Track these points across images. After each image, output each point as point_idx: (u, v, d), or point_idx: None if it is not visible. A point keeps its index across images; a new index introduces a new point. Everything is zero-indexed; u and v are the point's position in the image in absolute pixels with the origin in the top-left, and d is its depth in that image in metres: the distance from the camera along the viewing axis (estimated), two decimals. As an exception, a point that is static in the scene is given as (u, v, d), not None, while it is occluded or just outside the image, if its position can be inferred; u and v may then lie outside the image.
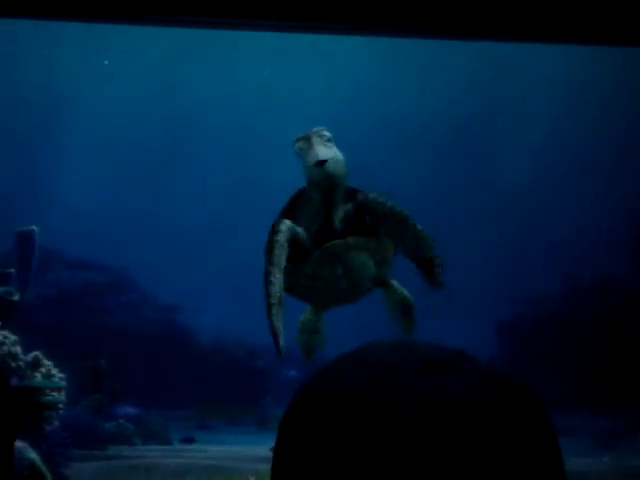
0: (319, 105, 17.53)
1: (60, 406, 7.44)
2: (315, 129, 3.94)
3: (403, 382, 0.84)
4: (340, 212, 3.99)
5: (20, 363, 7.14)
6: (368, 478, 0.79)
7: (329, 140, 3.94)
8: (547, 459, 0.84)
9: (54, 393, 7.37)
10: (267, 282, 3.88)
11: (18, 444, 5.00)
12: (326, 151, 3.92)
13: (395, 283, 4.29)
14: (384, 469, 0.78)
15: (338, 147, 3.94)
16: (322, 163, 3.82)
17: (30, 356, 7.41)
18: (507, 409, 0.84)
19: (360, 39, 12.60)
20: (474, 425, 0.80)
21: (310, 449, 0.86)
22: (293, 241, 3.93)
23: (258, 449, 9.37)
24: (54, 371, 7.50)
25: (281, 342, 3.85)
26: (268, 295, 3.82)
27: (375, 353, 0.91)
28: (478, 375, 0.88)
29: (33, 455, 5.94)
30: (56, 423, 7.35)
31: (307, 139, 3.88)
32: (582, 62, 15.30)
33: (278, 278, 3.90)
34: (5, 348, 6.99)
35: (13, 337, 7.14)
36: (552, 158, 15.75)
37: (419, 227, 3.93)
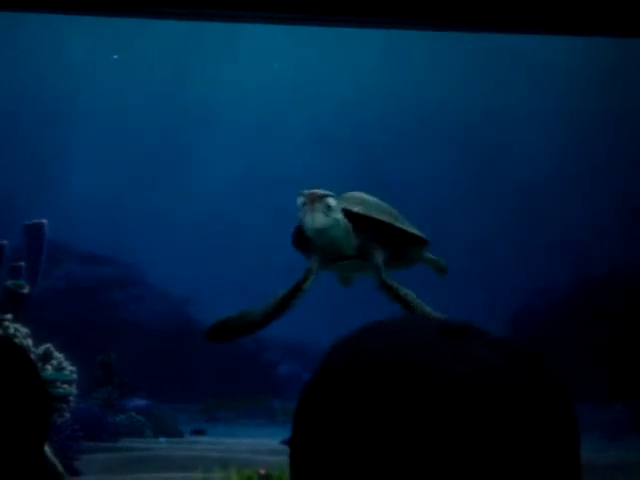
0: (326, 98, 17.52)
1: (71, 399, 7.48)
2: (320, 192, 4.03)
3: (422, 347, 0.85)
4: (349, 248, 4.32)
5: (31, 356, 7.17)
6: (390, 445, 0.79)
7: (328, 207, 4.03)
8: (565, 424, 0.85)
9: (65, 386, 7.41)
10: (285, 305, 4.49)
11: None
12: (322, 220, 4.05)
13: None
14: (406, 435, 0.79)
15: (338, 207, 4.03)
16: (316, 231, 4.00)
17: (41, 349, 7.45)
18: (527, 374, 0.85)
19: (368, 32, 12.58)
20: (495, 388, 0.81)
21: (332, 421, 0.87)
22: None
23: (269, 442, 9.40)
24: (65, 364, 7.54)
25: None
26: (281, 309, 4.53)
27: (392, 324, 0.92)
28: (493, 342, 0.89)
29: (44, 447, 5.97)
30: (67, 415, 7.38)
31: (308, 202, 3.99)
32: (591, 55, 15.24)
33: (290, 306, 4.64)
34: (17, 341, 7.02)
35: (24, 330, 7.18)
36: (562, 150, 15.70)
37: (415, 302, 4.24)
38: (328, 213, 4.13)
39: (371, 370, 0.85)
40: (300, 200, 4.10)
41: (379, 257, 4.47)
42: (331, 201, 4.10)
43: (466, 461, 0.77)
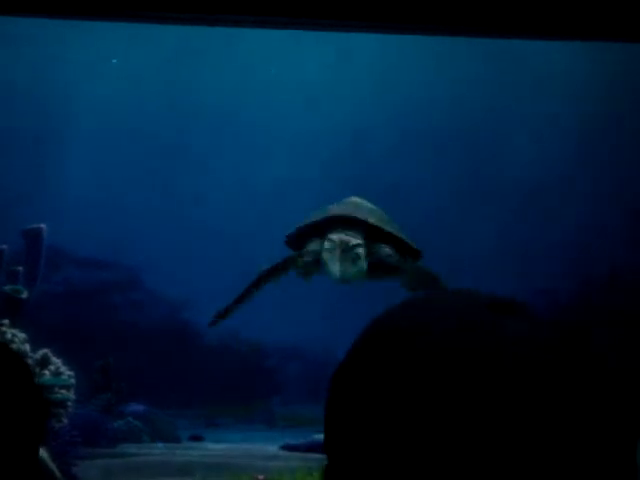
0: (324, 102, 17.52)
1: (69, 404, 7.45)
2: (352, 242, 3.98)
3: (470, 323, 0.83)
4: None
5: (29, 361, 7.15)
6: (430, 417, 0.77)
7: (358, 256, 3.99)
8: (616, 403, 0.84)
9: (63, 391, 7.38)
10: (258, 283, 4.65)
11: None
12: (351, 270, 4.05)
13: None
14: (448, 408, 0.77)
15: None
16: (342, 279, 4.00)
17: (39, 354, 7.42)
18: (577, 351, 0.83)
19: (368, 36, 12.58)
20: (543, 364, 0.80)
21: (370, 399, 0.84)
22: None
23: (267, 447, 9.37)
24: (63, 369, 7.51)
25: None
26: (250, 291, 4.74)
27: (436, 298, 0.92)
28: (541, 319, 0.87)
29: (42, 453, 5.95)
30: (65, 421, 7.36)
31: (338, 249, 3.96)
32: (585, 60, 15.26)
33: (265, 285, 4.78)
34: (14, 346, 7.00)
35: (22, 335, 7.15)
36: (560, 153, 15.70)
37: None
38: (357, 262, 4.12)
39: (414, 342, 0.82)
40: (328, 245, 4.05)
41: (389, 250, 4.47)
42: (360, 251, 4.07)
43: (514, 442, 0.75)
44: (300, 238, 4.63)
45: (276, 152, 17.89)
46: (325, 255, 4.14)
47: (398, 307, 0.90)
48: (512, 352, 0.78)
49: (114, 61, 17.77)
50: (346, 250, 4.07)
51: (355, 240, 4.11)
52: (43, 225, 8.18)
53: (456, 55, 16.01)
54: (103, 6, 2.80)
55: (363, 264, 4.14)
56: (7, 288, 7.50)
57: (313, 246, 4.45)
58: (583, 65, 15.66)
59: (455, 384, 0.76)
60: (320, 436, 9.23)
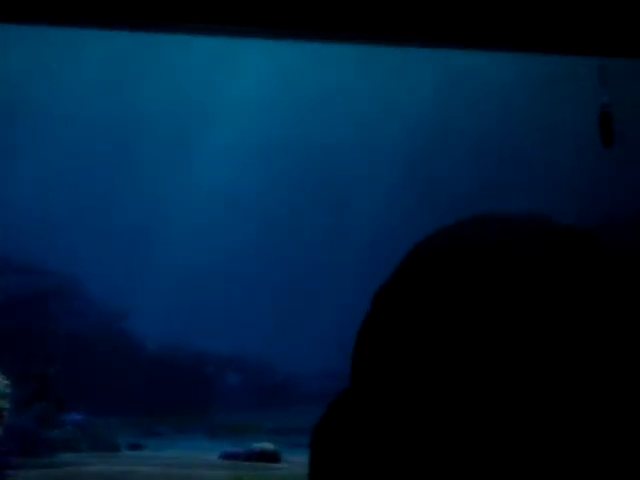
0: (274, 109, 17.56)
1: (4, 413, 7.36)
2: None
3: (546, 251, 0.77)
4: None
5: (-35, 370, 7.06)
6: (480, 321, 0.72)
7: None
8: None
9: (-1, 400, 7.28)
10: None
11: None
12: None
13: None
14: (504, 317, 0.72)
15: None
16: None
17: (-25, 363, 7.31)
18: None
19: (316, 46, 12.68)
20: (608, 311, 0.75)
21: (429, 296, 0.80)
22: None
23: (206, 456, 9.36)
24: None
25: None
26: None
27: (510, 217, 0.84)
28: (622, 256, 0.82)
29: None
30: (0, 431, 7.26)
31: None
32: (528, 68, 15.55)
33: None
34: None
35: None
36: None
37: None
38: None
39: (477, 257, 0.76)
40: None
41: None
42: None
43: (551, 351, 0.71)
44: None
45: (218, 158, 17.88)
46: None
47: (469, 222, 0.84)
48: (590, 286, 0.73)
49: (54, 66, 17.59)
50: None
51: None
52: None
53: (399, 67, 16.20)
54: (99, 14, 2.82)
55: None
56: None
57: None
58: (512, 78, 15.96)
59: (517, 301, 0.71)
60: (259, 444, 9.26)
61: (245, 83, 17.57)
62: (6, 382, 7.46)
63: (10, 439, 7.26)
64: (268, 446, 9.06)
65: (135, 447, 10.45)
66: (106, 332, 14.57)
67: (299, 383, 14.32)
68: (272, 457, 8.85)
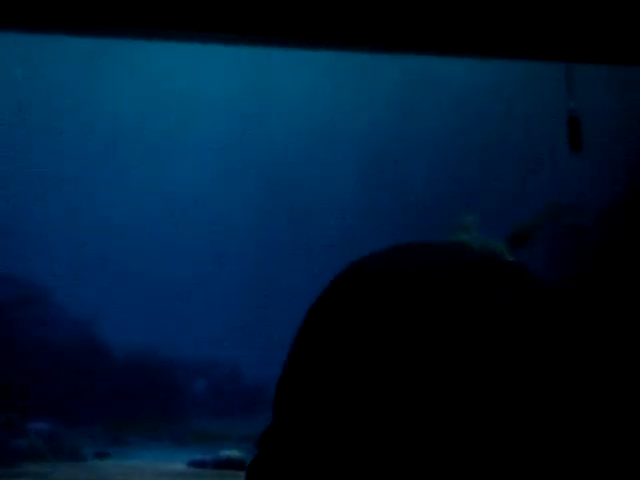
0: (236, 114, 17.54)
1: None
2: None
3: (455, 283, 0.72)
4: None
5: None
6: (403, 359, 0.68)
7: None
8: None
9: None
10: None
11: None
12: None
13: None
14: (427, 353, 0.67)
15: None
16: None
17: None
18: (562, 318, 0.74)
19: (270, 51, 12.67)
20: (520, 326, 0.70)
21: (345, 331, 0.75)
22: None
23: (174, 464, 9.30)
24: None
25: None
26: None
27: (430, 244, 0.80)
28: (537, 287, 0.79)
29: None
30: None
31: None
32: (488, 74, 15.65)
33: None
34: None
35: None
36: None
37: None
38: None
39: (394, 284, 0.73)
40: None
41: None
42: None
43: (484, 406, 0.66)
44: None
45: (187, 164, 17.82)
46: None
47: (383, 252, 0.80)
48: (500, 322, 0.69)
49: (17, 72, 17.41)
50: None
51: None
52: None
53: (370, 73, 16.24)
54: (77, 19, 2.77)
55: None
56: None
57: None
58: (475, 81, 16.07)
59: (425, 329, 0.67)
60: (226, 452, 9.21)
61: (212, 87, 17.55)
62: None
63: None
64: (235, 453, 9.02)
65: (102, 456, 10.36)
66: (71, 339, 14.43)
67: (268, 390, 14.29)
68: (239, 464, 8.81)
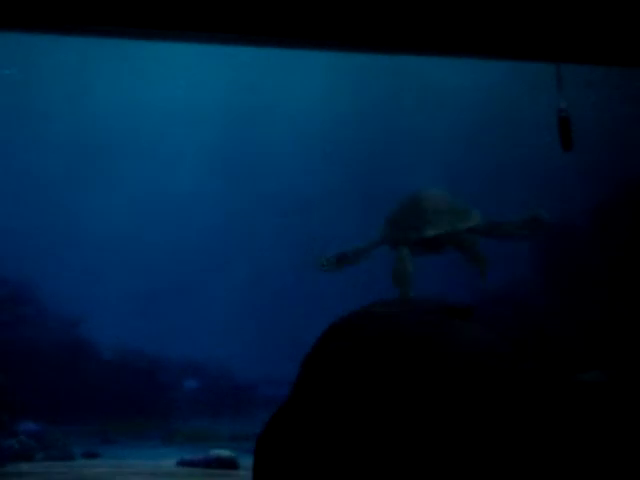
0: (223, 115, 17.53)
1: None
2: None
3: (424, 324, 0.77)
4: None
5: None
6: (388, 419, 0.74)
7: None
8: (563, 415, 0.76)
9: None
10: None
11: None
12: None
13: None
14: (405, 410, 0.73)
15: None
16: None
17: None
18: (524, 361, 0.78)
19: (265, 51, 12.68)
20: (487, 370, 0.74)
21: (331, 408, 0.81)
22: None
23: (163, 463, 9.29)
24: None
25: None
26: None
27: (396, 301, 0.87)
28: (499, 325, 0.81)
29: None
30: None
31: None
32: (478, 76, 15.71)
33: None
34: None
35: None
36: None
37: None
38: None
39: (367, 354, 0.79)
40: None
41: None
42: None
43: (460, 445, 0.71)
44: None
45: (177, 167, 17.81)
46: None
47: (358, 312, 0.87)
48: (463, 358, 0.73)
49: (7, 72, 17.34)
50: None
51: None
52: None
53: (355, 72, 16.27)
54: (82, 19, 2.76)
55: None
56: None
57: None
58: (470, 84, 16.12)
59: (402, 385, 0.74)
60: (216, 451, 9.21)
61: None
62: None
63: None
64: (225, 453, 9.01)
65: (90, 455, 10.34)
66: (60, 339, 14.39)
67: (257, 389, 14.27)
68: (229, 464, 8.81)
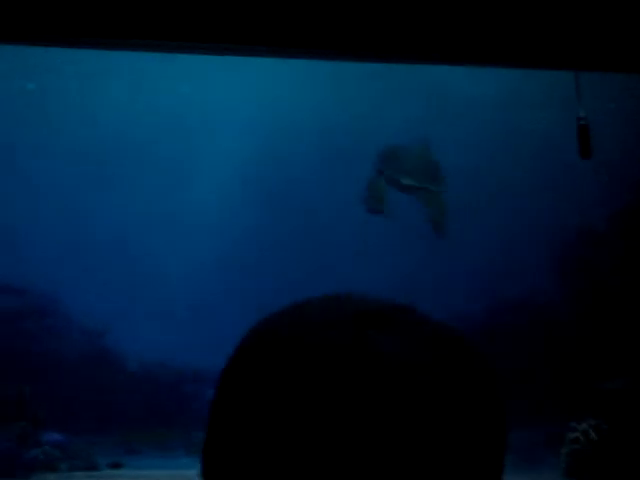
0: (225, 122, 17.60)
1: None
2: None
3: (326, 338, 0.76)
4: None
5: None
6: (293, 436, 0.74)
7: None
8: (484, 429, 0.79)
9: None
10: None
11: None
12: None
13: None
14: (308, 427, 0.73)
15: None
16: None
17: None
18: (444, 372, 0.77)
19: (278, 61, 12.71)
20: (401, 385, 0.72)
21: (242, 420, 0.83)
22: None
23: (186, 473, 9.30)
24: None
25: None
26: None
27: (303, 308, 0.86)
28: (421, 333, 0.81)
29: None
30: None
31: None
32: (499, 85, 15.67)
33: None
34: None
35: None
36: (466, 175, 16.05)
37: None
38: None
39: (272, 363, 0.79)
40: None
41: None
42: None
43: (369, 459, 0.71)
44: None
45: (192, 177, 17.89)
46: None
47: (277, 311, 0.88)
48: (368, 371, 0.72)
49: (30, 86, 17.50)
50: None
51: None
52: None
53: (351, 78, 16.25)
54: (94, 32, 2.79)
55: None
56: None
57: None
58: (493, 93, 16.09)
59: (311, 407, 0.74)
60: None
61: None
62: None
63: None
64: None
65: (115, 466, 10.38)
66: (85, 351, 14.47)
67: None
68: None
